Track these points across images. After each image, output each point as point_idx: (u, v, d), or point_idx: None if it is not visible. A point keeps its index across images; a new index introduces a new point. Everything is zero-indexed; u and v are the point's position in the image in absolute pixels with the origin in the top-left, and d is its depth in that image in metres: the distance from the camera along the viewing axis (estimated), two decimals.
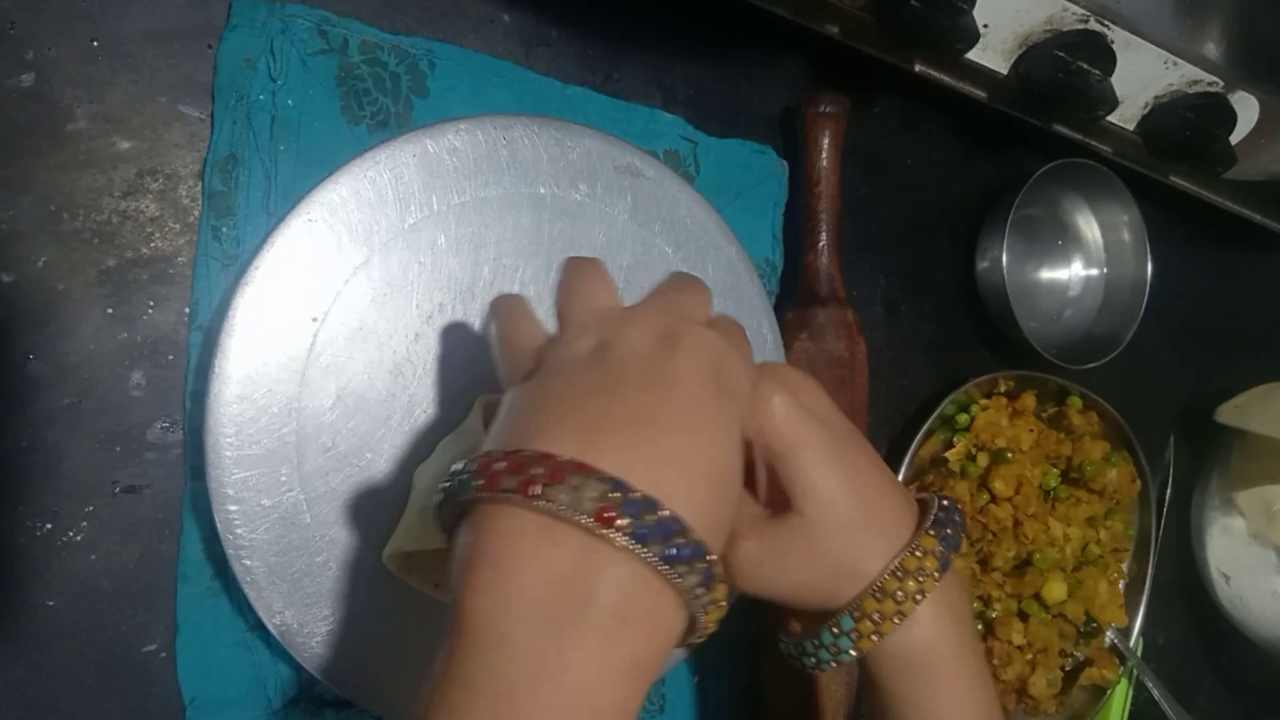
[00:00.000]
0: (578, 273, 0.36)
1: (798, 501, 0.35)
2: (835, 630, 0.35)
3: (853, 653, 0.35)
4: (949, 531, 0.36)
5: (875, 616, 0.35)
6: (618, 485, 0.27)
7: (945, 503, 0.37)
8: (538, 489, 0.27)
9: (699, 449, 0.30)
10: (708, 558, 0.28)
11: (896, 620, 0.35)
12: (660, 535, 0.27)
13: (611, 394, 0.30)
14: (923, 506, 0.38)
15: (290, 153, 0.42)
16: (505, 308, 0.36)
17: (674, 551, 0.27)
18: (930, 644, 0.35)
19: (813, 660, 0.37)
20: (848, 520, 0.35)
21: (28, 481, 0.38)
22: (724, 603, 0.29)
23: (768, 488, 0.38)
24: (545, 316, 0.44)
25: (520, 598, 0.26)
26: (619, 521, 0.26)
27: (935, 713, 0.35)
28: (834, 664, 0.36)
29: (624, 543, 0.26)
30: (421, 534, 0.38)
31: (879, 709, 0.37)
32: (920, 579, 0.35)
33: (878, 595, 0.35)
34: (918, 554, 0.35)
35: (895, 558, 0.35)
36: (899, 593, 0.35)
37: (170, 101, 0.41)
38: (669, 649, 0.28)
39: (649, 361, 0.31)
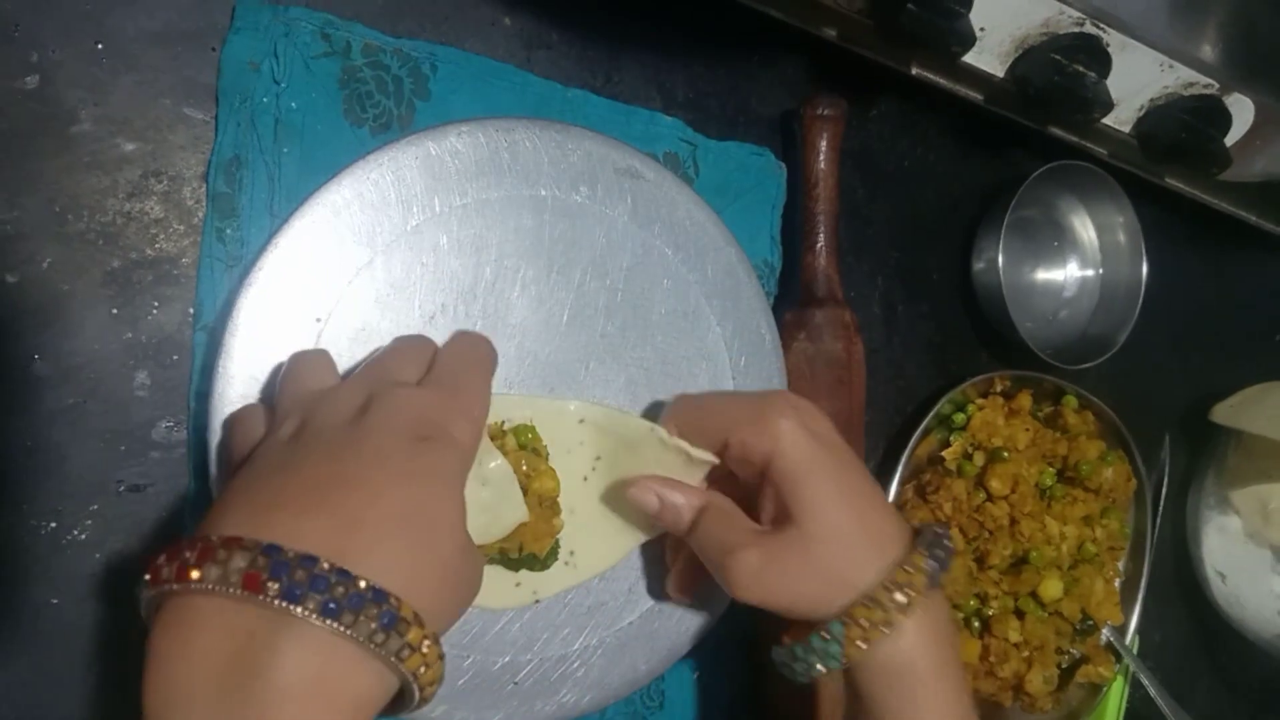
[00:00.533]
0: (294, 361, 0.37)
1: (799, 516, 0.38)
2: (825, 636, 0.37)
3: (841, 659, 0.37)
4: (939, 552, 0.38)
5: (865, 623, 0.36)
6: (268, 550, 0.26)
7: (938, 529, 0.40)
8: (190, 571, 0.26)
9: (384, 499, 0.29)
10: (385, 604, 0.27)
11: (885, 629, 0.36)
12: (317, 589, 0.26)
13: (294, 469, 0.30)
14: (915, 531, 0.40)
15: (293, 155, 0.42)
16: (233, 416, 0.37)
17: (334, 604, 0.26)
18: (913, 655, 0.37)
19: (803, 666, 0.38)
20: (845, 535, 0.38)
21: (32, 481, 0.39)
22: (424, 650, 0.28)
23: (772, 506, 0.40)
24: (542, 320, 0.45)
25: (183, 686, 0.26)
26: (269, 585, 0.26)
27: None
28: (822, 669, 0.38)
29: (277, 605, 0.26)
30: None
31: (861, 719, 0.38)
32: (909, 592, 0.37)
33: (868, 604, 0.36)
34: (909, 569, 0.37)
35: (889, 572, 0.37)
36: (889, 603, 0.36)
37: (174, 104, 0.41)
38: (367, 712, 0.27)
39: (339, 430, 0.32)
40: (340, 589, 0.26)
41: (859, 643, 0.36)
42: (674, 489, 0.41)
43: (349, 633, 0.26)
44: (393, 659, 0.27)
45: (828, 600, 0.37)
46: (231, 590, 0.26)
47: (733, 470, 0.42)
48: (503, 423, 0.42)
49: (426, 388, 0.35)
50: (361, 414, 0.32)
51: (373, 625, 0.27)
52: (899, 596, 0.36)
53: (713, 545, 0.40)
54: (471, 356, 0.38)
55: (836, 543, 0.37)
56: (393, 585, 0.27)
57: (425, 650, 0.28)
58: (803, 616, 0.38)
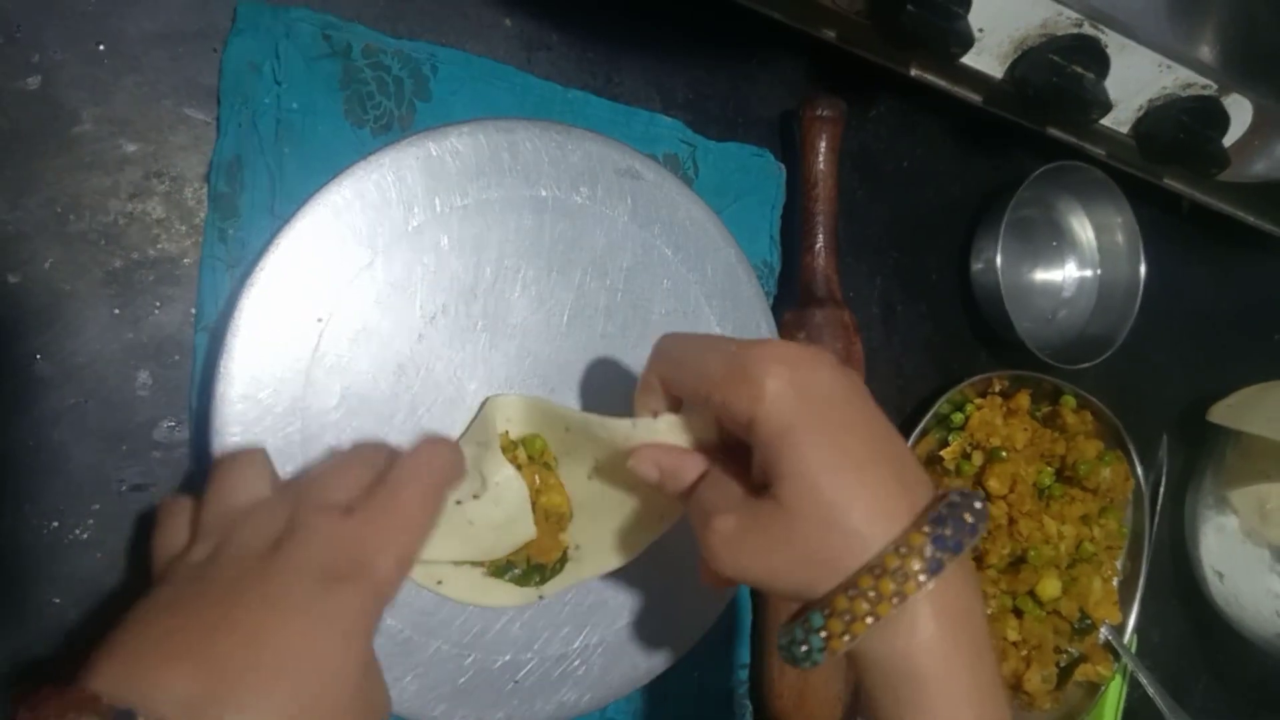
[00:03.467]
0: (224, 467, 0.35)
1: (776, 486, 0.33)
2: (806, 626, 0.32)
3: (824, 653, 0.32)
4: (947, 531, 0.31)
5: (846, 616, 0.31)
6: (121, 716, 0.26)
7: (955, 499, 0.33)
8: None
9: (264, 647, 0.28)
10: None
11: (869, 621, 0.31)
12: None
13: (188, 608, 0.29)
14: (934, 500, 0.34)
15: (294, 155, 0.42)
16: (161, 509, 0.35)
17: None
18: (913, 656, 0.31)
19: (787, 656, 0.34)
20: (827, 508, 0.32)
21: (34, 480, 0.39)
22: None
23: (759, 475, 0.35)
24: (543, 320, 0.45)
25: None
26: None
27: None
28: (810, 663, 0.33)
29: None
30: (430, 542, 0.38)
31: None
32: (900, 580, 0.31)
33: (850, 593, 0.31)
34: (901, 551, 0.31)
35: (877, 554, 0.31)
36: (872, 592, 0.31)
37: (175, 104, 0.41)
38: None
39: (249, 563, 0.31)
40: None
41: (843, 636, 0.31)
42: (671, 454, 0.37)
43: None
44: None
45: (811, 583, 0.32)
46: None
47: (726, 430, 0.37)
48: (507, 432, 0.42)
49: (353, 515, 0.32)
50: (273, 546, 0.31)
51: None
52: (886, 584, 0.30)
53: (697, 511, 0.36)
54: (424, 469, 0.34)
55: (817, 516, 0.32)
56: None
57: None
58: (789, 597, 0.34)
